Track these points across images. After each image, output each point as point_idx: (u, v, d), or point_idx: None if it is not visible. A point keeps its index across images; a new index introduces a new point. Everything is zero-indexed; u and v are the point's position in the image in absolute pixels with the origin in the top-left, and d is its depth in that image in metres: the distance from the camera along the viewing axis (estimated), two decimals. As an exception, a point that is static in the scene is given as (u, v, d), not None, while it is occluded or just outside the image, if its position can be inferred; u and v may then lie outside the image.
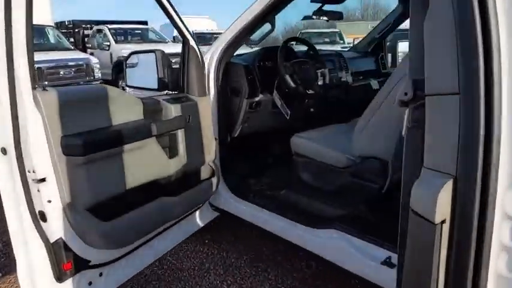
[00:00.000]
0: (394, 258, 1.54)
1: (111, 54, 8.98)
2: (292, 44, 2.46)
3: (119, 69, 8.67)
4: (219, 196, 2.21)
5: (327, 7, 2.49)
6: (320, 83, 2.38)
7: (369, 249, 1.63)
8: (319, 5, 2.46)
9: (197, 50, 1.93)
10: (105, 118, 1.50)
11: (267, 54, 2.37)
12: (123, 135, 1.51)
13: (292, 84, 2.24)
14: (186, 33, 1.89)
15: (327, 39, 12.96)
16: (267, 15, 1.97)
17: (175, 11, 1.81)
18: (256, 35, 2.23)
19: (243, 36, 2.05)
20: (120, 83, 8.69)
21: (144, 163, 1.64)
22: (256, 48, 2.69)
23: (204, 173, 2.08)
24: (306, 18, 2.65)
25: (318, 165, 1.98)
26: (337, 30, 14.16)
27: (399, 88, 1.61)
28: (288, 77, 2.22)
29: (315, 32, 13.56)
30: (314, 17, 2.46)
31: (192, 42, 1.91)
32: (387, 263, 1.53)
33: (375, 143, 1.74)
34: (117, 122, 1.53)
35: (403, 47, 3.30)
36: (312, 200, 2.03)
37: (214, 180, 2.07)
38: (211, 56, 2.11)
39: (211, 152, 2.03)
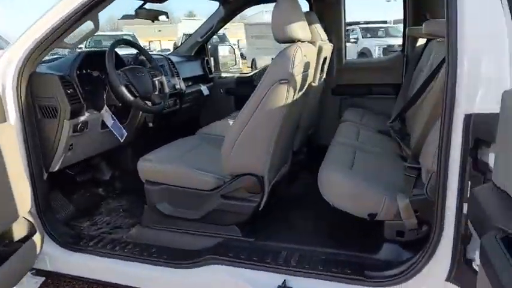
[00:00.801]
0: (289, 280, 1.42)
1: None
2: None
3: None
4: (43, 255, 1.63)
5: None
6: (157, 92, 2.04)
7: (259, 277, 1.46)
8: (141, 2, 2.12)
9: None
10: None
11: (88, 60, 1.87)
12: None
13: (130, 96, 1.83)
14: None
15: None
16: (88, 12, 1.51)
17: None
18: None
19: (55, 37, 1.52)
20: None
21: None
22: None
23: (20, 231, 1.48)
24: (125, 17, 2.25)
25: (178, 191, 1.66)
26: (130, 33, 13.55)
27: (268, 101, 1.49)
28: (123, 89, 1.80)
29: (108, 35, 12.43)
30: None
31: None
32: (284, 288, 1.39)
33: (248, 158, 1.56)
34: None
35: (223, 51, 3.27)
36: (178, 234, 1.70)
37: (36, 238, 1.50)
38: (5, 65, 1.51)
39: (25, 200, 1.46)
